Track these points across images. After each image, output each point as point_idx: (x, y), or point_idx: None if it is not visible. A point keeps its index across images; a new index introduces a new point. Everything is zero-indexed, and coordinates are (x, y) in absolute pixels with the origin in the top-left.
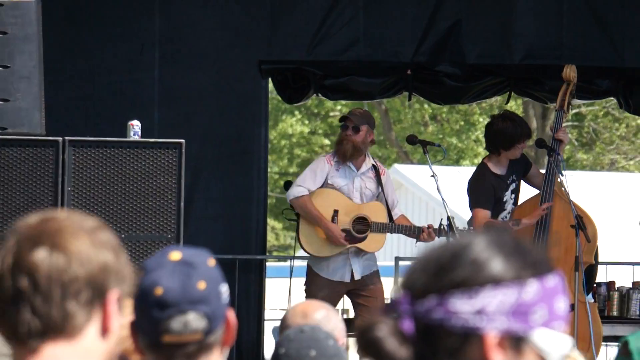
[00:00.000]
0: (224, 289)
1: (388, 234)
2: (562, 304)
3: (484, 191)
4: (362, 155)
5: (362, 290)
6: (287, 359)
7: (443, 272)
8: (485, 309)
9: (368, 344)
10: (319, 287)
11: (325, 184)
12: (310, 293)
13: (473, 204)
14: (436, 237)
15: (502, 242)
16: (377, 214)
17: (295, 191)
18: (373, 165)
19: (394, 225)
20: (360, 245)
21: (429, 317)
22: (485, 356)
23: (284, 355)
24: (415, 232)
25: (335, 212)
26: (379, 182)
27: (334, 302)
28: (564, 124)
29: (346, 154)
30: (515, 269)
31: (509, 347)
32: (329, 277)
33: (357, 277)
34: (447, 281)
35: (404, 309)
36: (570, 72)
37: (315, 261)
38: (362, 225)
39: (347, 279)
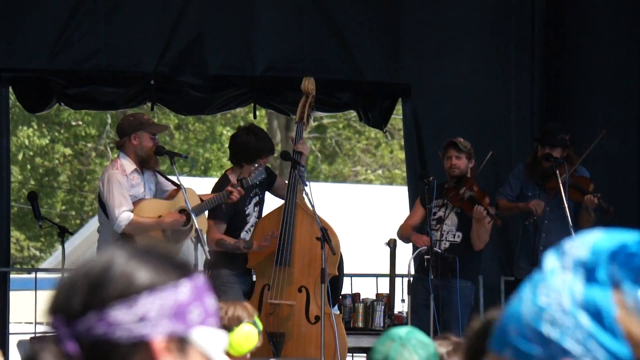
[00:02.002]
0: None
1: None
2: (211, 301)
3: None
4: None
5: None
6: None
7: (96, 288)
8: (146, 315)
9: None
10: None
11: None
12: None
13: (210, 216)
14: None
15: (143, 252)
16: (192, 199)
17: (122, 218)
18: None
19: (209, 201)
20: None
21: (92, 334)
22: None
23: None
24: (225, 196)
25: (160, 217)
26: (156, 180)
27: None
28: (306, 135)
29: (155, 163)
30: (165, 273)
31: (175, 349)
32: None
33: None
34: (104, 296)
35: (61, 333)
36: (308, 84)
37: None
38: (185, 214)
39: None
